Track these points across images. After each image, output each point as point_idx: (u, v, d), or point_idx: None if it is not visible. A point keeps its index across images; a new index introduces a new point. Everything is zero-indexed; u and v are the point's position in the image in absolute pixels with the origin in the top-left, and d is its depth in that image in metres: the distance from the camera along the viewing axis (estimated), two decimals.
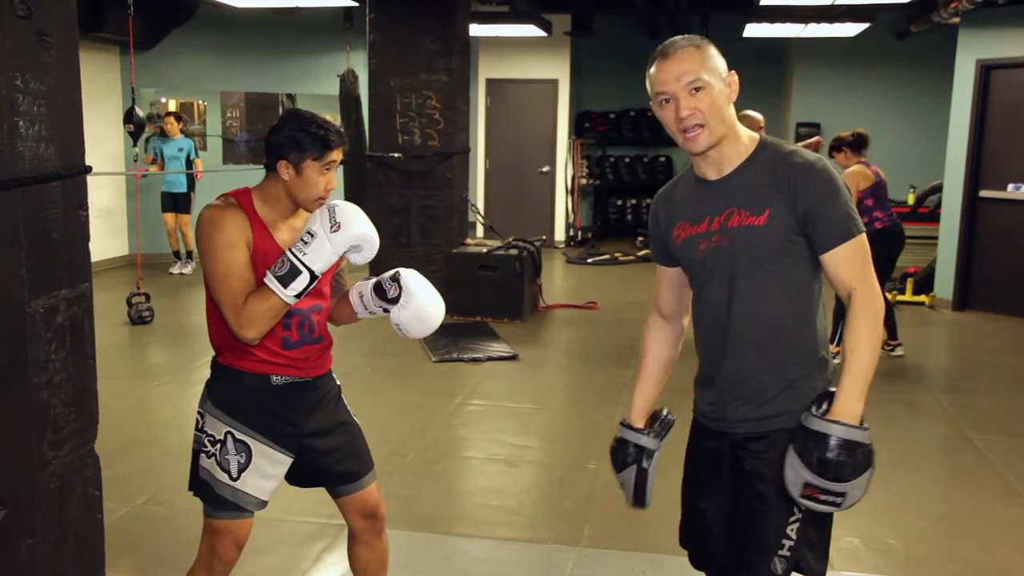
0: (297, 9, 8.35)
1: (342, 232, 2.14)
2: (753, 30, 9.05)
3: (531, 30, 9.38)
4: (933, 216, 8.67)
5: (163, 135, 8.86)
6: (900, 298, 7.81)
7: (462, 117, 7.66)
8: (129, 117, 7.01)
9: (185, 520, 3.42)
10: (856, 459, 1.79)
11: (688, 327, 2.17)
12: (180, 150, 8.80)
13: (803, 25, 8.61)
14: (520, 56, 10.69)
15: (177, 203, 8.93)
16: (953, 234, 7.72)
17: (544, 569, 3.27)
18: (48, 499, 2.21)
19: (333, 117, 7.33)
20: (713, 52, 1.88)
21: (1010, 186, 7.37)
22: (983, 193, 7.53)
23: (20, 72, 2.04)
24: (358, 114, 7.95)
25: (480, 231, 10.29)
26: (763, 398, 1.94)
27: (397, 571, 2.69)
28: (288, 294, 2.12)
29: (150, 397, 5.33)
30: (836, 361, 1.91)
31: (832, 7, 7.97)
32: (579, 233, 11.29)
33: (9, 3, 2.00)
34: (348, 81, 8.01)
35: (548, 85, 10.82)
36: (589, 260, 10.13)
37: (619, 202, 11.74)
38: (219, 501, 2.25)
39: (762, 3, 7.92)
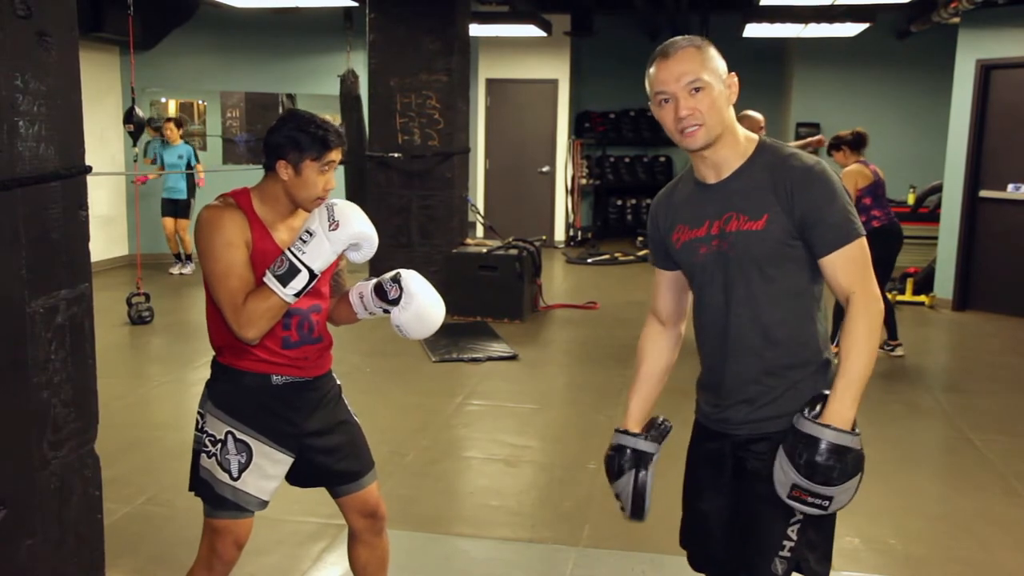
0: (297, 9, 8.35)
1: (341, 230, 2.14)
2: (753, 30, 9.06)
3: (531, 30, 9.38)
4: (933, 216, 8.67)
5: (163, 141, 8.86)
6: (900, 298, 7.81)
7: (462, 117, 7.66)
8: (129, 117, 7.00)
9: (185, 520, 3.42)
10: (845, 464, 1.79)
11: (689, 328, 2.17)
12: (180, 157, 8.79)
13: (803, 25, 8.61)
14: (520, 56, 10.69)
15: (177, 208, 8.94)
16: (953, 234, 7.72)
17: (544, 569, 3.27)
18: (48, 499, 2.21)
19: (333, 117, 7.35)
20: (713, 53, 1.88)
21: (1010, 186, 7.37)
22: (983, 193, 7.53)
23: (20, 72, 2.04)
24: (358, 114, 7.95)
25: (480, 231, 10.29)
26: (765, 400, 1.94)
27: (397, 571, 2.69)
28: (287, 293, 2.12)
29: (150, 397, 5.33)
30: (837, 362, 1.91)
31: (832, 7, 7.97)
32: (579, 233, 11.29)
33: (9, 3, 2.00)
34: (348, 81, 8.01)
35: (548, 85, 10.82)
36: (589, 260, 10.13)
37: (619, 202, 11.75)
38: (219, 501, 2.25)
39: (762, 3, 7.92)
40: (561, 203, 11.07)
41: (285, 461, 2.31)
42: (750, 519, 1.95)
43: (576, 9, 10.05)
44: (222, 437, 2.25)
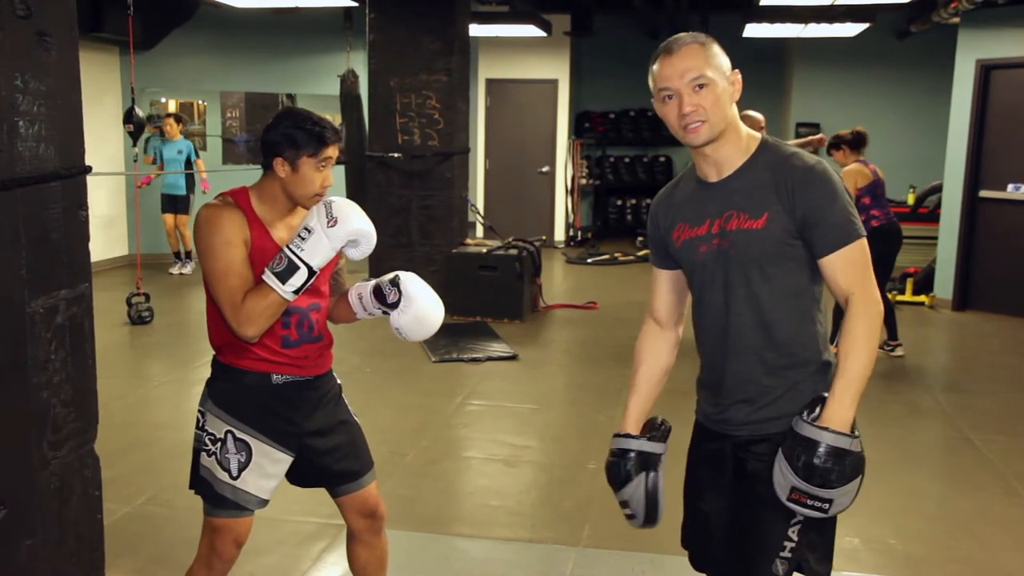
0: (297, 9, 8.35)
1: (339, 227, 2.14)
2: (753, 30, 9.06)
3: (531, 30, 9.38)
4: (933, 216, 8.67)
5: (163, 136, 8.87)
6: (900, 298, 7.80)
7: (462, 117, 7.66)
8: (129, 117, 7.00)
9: (185, 520, 3.41)
10: (844, 467, 1.78)
11: (688, 328, 2.16)
12: (179, 152, 8.79)
13: (803, 25, 8.61)
14: (520, 56, 10.69)
15: (176, 204, 8.94)
16: (953, 234, 7.72)
17: (544, 569, 3.27)
18: (48, 499, 2.21)
19: (333, 117, 7.36)
20: (717, 50, 1.88)
21: (1010, 186, 7.37)
22: (983, 193, 7.53)
23: (20, 72, 2.04)
24: (358, 114, 7.95)
25: (480, 231, 10.29)
26: (765, 400, 1.94)
27: (397, 571, 2.69)
28: (286, 290, 2.12)
29: (150, 397, 5.33)
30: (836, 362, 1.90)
31: (832, 7, 7.97)
32: (579, 233, 11.29)
33: (9, 3, 2.00)
34: (348, 81, 8.01)
35: (548, 85, 10.82)
36: (589, 260, 10.13)
37: (619, 202, 11.75)
38: (219, 500, 2.26)
39: (762, 3, 7.91)
40: (561, 203, 11.07)
41: (285, 460, 2.31)
42: (751, 520, 1.94)
43: (576, 9, 10.05)
44: (222, 436, 2.25)
